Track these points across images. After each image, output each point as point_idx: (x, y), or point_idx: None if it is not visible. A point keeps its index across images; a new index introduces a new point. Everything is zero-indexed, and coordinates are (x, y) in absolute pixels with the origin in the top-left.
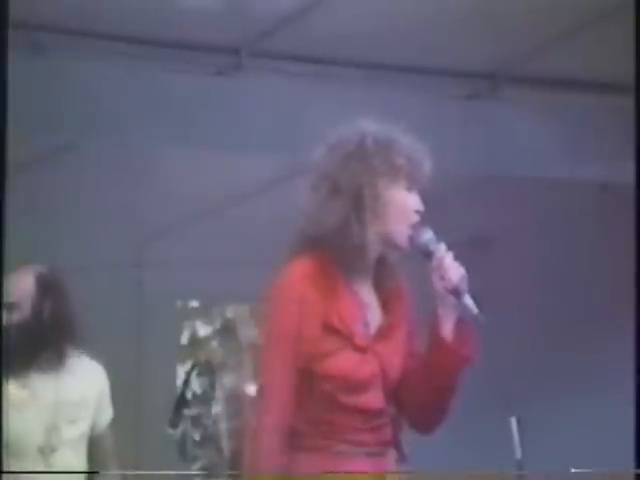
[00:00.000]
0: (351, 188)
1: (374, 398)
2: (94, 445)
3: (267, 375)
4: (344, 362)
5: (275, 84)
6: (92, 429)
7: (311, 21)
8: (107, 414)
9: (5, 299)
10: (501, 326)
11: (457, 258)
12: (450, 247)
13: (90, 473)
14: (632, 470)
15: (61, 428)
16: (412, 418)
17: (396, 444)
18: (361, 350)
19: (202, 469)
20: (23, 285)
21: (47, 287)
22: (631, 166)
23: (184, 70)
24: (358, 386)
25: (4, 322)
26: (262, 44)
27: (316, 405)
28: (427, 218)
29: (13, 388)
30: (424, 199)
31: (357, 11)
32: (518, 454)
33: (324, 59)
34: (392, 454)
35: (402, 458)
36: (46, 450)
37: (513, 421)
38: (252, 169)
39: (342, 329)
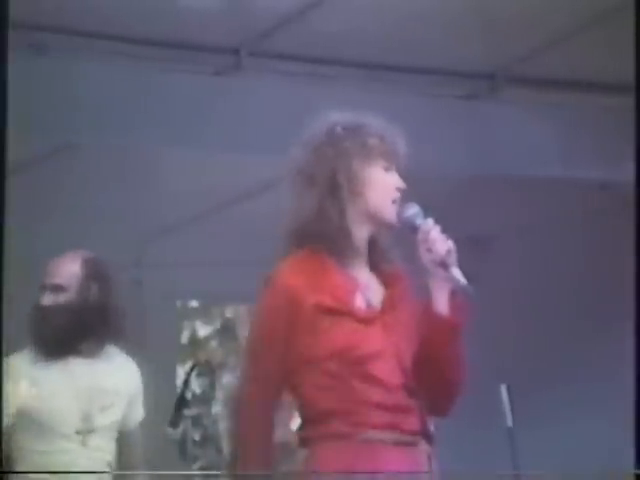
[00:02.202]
0: (325, 175)
1: (387, 370)
2: (123, 443)
3: (250, 351)
4: (345, 337)
5: (275, 84)
6: (122, 425)
7: (311, 21)
8: (138, 413)
9: (50, 280)
10: (500, 326)
11: (457, 258)
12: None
13: (89, 473)
14: (632, 470)
15: (94, 413)
16: (424, 401)
17: (425, 431)
18: (365, 323)
19: (202, 469)
20: (71, 268)
21: (95, 272)
22: (631, 166)
23: (184, 70)
24: (367, 357)
25: (50, 303)
26: (262, 44)
27: (329, 387)
28: (427, 217)
29: (24, 385)
30: (423, 197)
31: (357, 11)
32: (509, 422)
33: (324, 59)
34: (424, 445)
35: (431, 442)
36: (84, 432)
37: (503, 389)
38: (252, 169)
39: (338, 307)
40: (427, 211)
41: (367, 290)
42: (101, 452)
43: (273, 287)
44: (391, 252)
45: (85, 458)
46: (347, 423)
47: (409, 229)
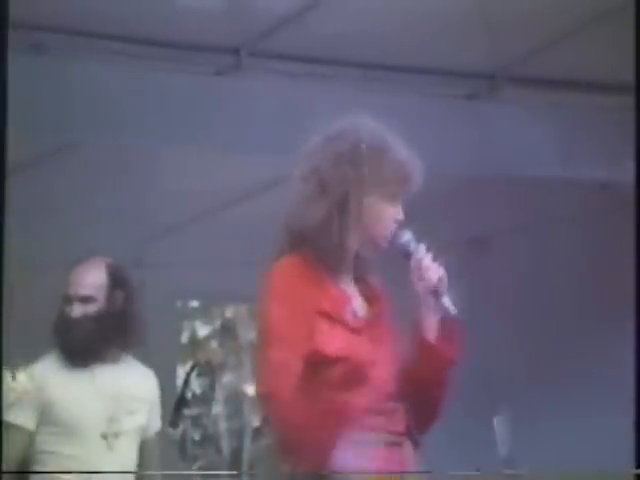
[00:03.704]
0: (338, 191)
1: (381, 375)
2: (142, 450)
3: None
4: (339, 344)
5: (275, 84)
6: (143, 432)
7: (310, 21)
8: (157, 423)
9: (78, 291)
10: (500, 325)
11: (457, 258)
12: (450, 247)
13: (89, 473)
14: (632, 470)
15: (121, 418)
16: (435, 411)
17: (409, 432)
18: (357, 333)
19: (202, 469)
20: (98, 277)
21: (120, 280)
22: (631, 166)
23: (184, 70)
24: (362, 365)
25: (79, 315)
26: (262, 44)
27: (324, 391)
28: (427, 218)
29: (21, 378)
30: (423, 197)
31: (356, 11)
32: (503, 451)
33: (324, 59)
34: (409, 446)
35: (416, 445)
36: (109, 437)
37: (497, 420)
38: (252, 169)
39: (334, 314)
40: (428, 211)
41: (354, 301)
42: (125, 456)
43: (274, 285)
44: (372, 264)
45: (110, 462)
46: (340, 427)
47: (402, 255)
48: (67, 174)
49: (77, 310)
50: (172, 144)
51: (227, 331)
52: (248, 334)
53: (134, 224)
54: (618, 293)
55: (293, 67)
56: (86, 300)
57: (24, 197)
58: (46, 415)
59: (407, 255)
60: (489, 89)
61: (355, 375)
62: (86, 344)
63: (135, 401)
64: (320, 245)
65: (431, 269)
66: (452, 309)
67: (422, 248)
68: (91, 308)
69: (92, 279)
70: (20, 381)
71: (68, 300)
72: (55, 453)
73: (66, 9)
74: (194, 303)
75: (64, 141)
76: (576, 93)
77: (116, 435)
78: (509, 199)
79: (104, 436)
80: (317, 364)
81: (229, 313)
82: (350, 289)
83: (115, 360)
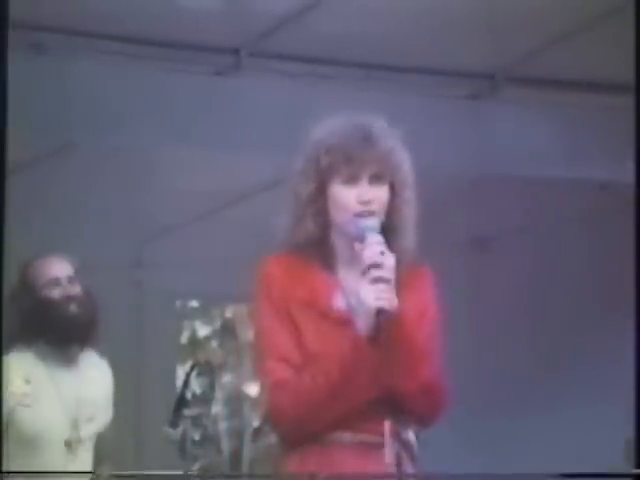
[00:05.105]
0: (304, 190)
1: (357, 374)
2: (98, 445)
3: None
4: (318, 336)
5: (275, 84)
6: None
7: (310, 21)
8: (109, 414)
9: (60, 274)
10: (500, 325)
11: (457, 258)
12: (450, 247)
13: (90, 474)
14: (632, 470)
15: (82, 424)
16: (408, 408)
17: (396, 433)
18: (341, 324)
19: (202, 469)
20: (61, 266)
21: (75, 274)
22: (631, 166)
23: (184, 70)
24: (337, 361)
25: (72, 293)
26: (261, 44)
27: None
28: (428, 218)
29: (18, 382)
30: (423, 197)
31: (357, 11)
32: (389, 458)
33: (324, 59)
34: (392, 446)
35: (405, 445)
36: (73, 444)
37: (387, 425)
38: (252, 169)
39: (314, 303)
40: (428, 211)
41: (352, 295)
42: (87, 462)
43: (257, 277)
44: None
45: (73, 469)
46: (310, 425)
47: (358, 240)
48: (67, 174)
49: (70, 289)
50: (172, 144)
51: (227, 331)
52: (248, 334)
53: (134, 224)
54: (618, 293)
55: (293, 67)
56: (72, 280)
57: (24, 197)
58: (10, 420)
59: (361, 240)
60: (490, 89)
61: (326, 370)
62: (82, 322)
63: (95, 404)
64: (302, 243)
65: (367, 258)
66: (366, 305)
67: (376, 238)
68: (77, 288)
69: (65, 265)
70: (18, 385)
71: (52, 284)
72: (17, 462)
73: (66, 9)
74: (194, 303)
75: (64, 141)
76: (577, 93)
77: (79, 442)
78: (510, 199)
79: (68, 444)
80: (306, 357)
81: (229, 313)
82: (353, 281)
83: (74, 358)
